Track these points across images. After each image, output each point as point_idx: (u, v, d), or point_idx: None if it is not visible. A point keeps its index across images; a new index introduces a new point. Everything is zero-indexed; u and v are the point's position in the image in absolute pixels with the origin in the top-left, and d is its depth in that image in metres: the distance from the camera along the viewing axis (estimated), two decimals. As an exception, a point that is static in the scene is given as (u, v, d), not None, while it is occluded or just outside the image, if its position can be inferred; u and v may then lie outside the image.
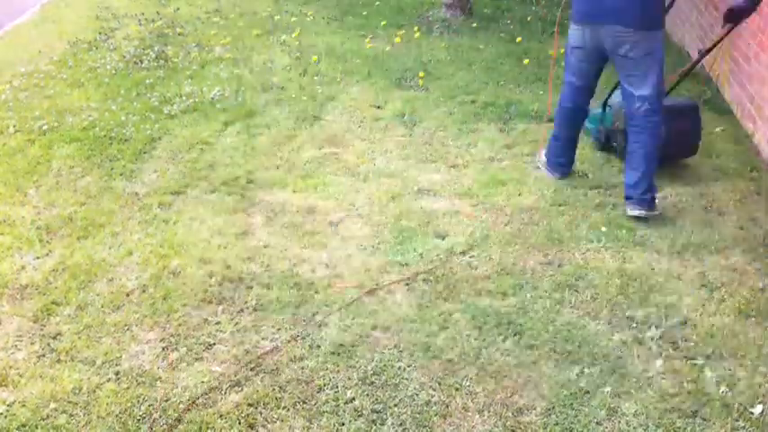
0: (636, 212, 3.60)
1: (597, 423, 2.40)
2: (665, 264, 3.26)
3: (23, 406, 2.47)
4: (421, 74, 5.74)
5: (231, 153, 4.41)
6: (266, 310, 2.96)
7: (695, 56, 5.87)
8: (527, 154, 4.40)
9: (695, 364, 2.66)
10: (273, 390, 2.54)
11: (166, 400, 2.50)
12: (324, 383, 2.57)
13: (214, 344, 2.78)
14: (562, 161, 4.07)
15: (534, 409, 2.46)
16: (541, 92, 5.45)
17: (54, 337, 2.81)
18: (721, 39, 3.99)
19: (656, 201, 3.65)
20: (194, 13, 8.02)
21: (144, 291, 3.09)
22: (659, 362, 2.67)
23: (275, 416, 2.44)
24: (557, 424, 2.40)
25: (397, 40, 6.81)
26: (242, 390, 2.55)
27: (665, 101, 3.74)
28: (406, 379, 2.59)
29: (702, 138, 4.17)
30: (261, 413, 2.45)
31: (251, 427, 2.40)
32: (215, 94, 5.37)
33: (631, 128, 3.67)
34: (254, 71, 5.96)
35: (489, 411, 2.45)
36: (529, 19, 7.44)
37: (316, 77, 5.83)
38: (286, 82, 5.69)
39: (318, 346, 2.75)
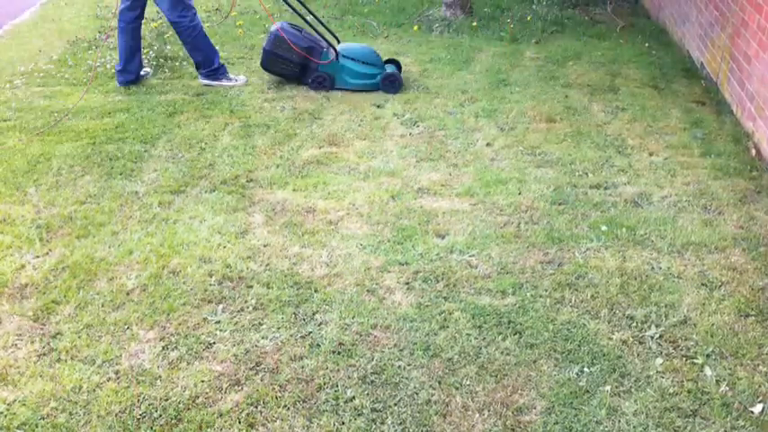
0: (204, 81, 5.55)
1: (597, 422, 2.40)
2: (664, 263, 3.26)
3: (23, 405, 2.47)
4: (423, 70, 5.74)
5: (231, 152, 4.41)
6: (266, 309, 2.96)
7: (696, 55, 5.89)
8: (528, 153, 4.40)
9: (695, 364, 2.66)
10: (273, 389, 2.54)
11: (166, 399, 2.50)
12: (324, 382, 2.58)
13: (214, 343, 2.78)
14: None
15: (534, 408, 2.46)
16: (541, 92, 5.45)
17: (54, 336, 2.81)
18: None
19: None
20: (194, 12, 8.01)
21: (144, 290, 3.09)
22: (659, 361, 2.67)
23: (275, 415, 2.44)
24: (556, 423, 2.40)
25: (397, 38, 6.81)
26: (242, 389, 2.55)
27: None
28: (406, 378, 2.59)
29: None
30: (261, 412, 2.45)
31: (251, 426, 2.40)
32: (215, 94, 5.37)
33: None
34: (254, 70, 5.96)
35: (489, 410, 2.45)
36: (528, 18, 7.44)
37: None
38: (285, 81, 5.68)
39: (318, 345, 2.76)
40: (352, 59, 5.47)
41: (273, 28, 5.40)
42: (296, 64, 5.43)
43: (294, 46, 5.33)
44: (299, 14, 5.38)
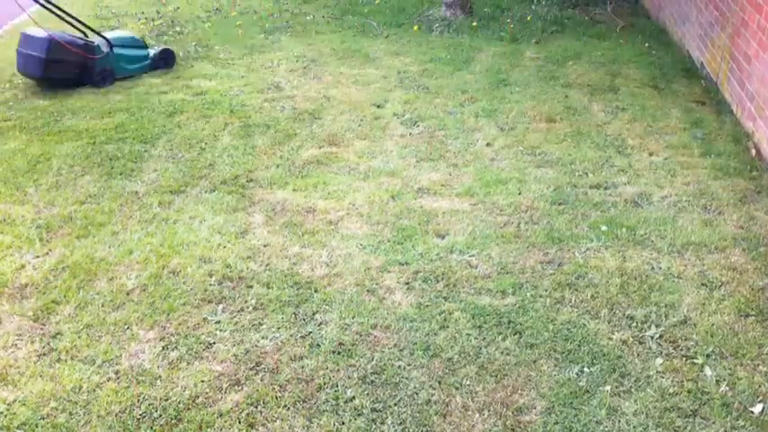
0: None
1: (597, 422, 2.40)
2: (664, 263, 3.26)
3: (23, 405, 2.47)
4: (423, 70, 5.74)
5: (231, 152, 4.41)
6: (266, 309, 2.96)
7: (696, 55, 5.89)
8: (528, 153, 4.40)
9: (695, 363, 2.66)
10: (273, 389, 2.54)
11: (166, 399, 2.50)
12: (324, 382, 2.57)
13: (214, 343, 2.78)
14: None
15: (534, 408, 2.46)
16: (541, 92, 5.45)
17: (54, 336, 2.81)
18: None
19: None
20: (194, 12, 8.03)
21: (144, 290, 3.09)
22: (659, 361, 2.67)
23: (275, 415, 2.44)
24: (556, 423, 2.40)
25: (397, 38, 6.81)
26: (242, 389, 2.55)
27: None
28: (406, 378, 2.59)
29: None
30: (261, 412, 2.45)
31: (251, 426, 2.40)
32: (215, 94, 5.37)
33: None
34: (254, 70, 5.96)
35: (489, 410, 2.45)
36: (528, 18, 7.44)
37: (315, 76, 5.83)
38: (285, 81, 5.69)
39: (318, 345, 2.76)
40: (123, 46, 5.65)
41: (41, 35, 5.28)
42: (75, 65, 5.41)
43: (71, 47, 5.30)
44: (56, 14, 5.44)
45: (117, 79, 5.63)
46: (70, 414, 2.44)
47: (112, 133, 4.66)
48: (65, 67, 5.37)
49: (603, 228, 3.53)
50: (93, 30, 5.64)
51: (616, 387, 2.55)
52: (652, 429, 2.38)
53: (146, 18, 7.66)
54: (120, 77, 5.66)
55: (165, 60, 5.97)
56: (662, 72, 5.83)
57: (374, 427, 2.39)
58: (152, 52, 5.90)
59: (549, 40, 6.84)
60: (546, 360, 2.67)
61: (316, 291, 3.08)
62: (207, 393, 2.53)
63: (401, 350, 2.73)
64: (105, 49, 5.55)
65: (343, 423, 2.40)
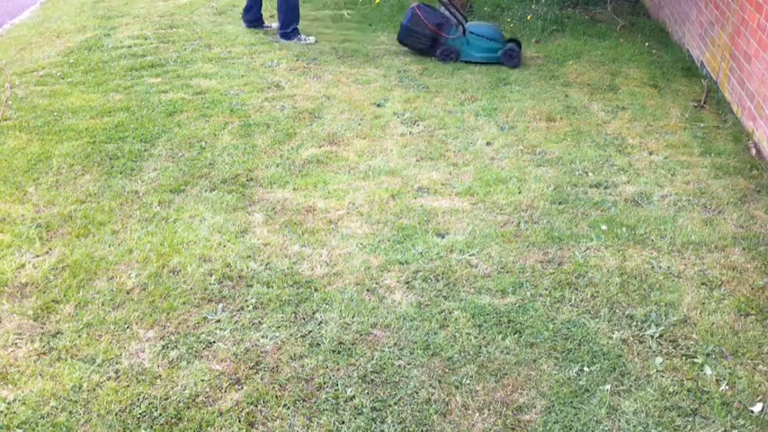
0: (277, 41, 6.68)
1: (597, 421, 2.40)
2: (664, 262, 3.26)
3: (24, 404, 2.47)
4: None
5: (231, 151, 4.41)
6: (266, 309, 2.96)
7: (696, 54, 5.89)
8: (528, 152, 4.40)
9: (695, 363, 2.66)
10: (273, 388, 2.55)
11: (166, 399, 2.50)
12: (324, 381, 2.58)
13: (214, 342, 2.78)
14: None
15: (534, 407, 2.46)
16: (541, 91, 5.45)
17: (54, 335, 2.81)
18: None
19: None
20: (195, 12, 8.02)
21: (144, 289, 3.09)
22: (659, 360, 2.67)
23: (275, 414, 2.44)
24: (556, 422, 2.40)
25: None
26: (242, 388, 2.55)
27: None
28: (406, 377, 2.59)
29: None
30: (261, 411, 2.45)
31: (251, 425, 2.40)
32: (215, 93, 5.37)
33: None
34: (254, 69, 5.96)
35: (489, 409, 2.45)
36: (528, 18, 7.43)
37: (315, 76, 5.83)
38: (285, 80, 5.69)
39: (318, 345, 2.76)
40: (478, 35, 6.18)
41: (411, 6, 6.24)
42: (427, 38, 6.20)
43: (427, 22, 6.14)
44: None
45: (462, 61, 6.19)
46: (70, 413, 2.44)
47: (112, 132, 4.66)
48: (418, 39, 6.26)
49: (603, 227, 3.54)
50: (464, 16, 6.36)
51: (616, 386, 2.55)
52: (652, 428, 2.38)
53: (146, 18, 7.66)
54: (465, 61, 6.19)
55: (511, 58, 6.10)
56: (662, 71, 5.83)
57: (374, 426, 2.39)
58: (503, 49, 6.14)
59: (549, 40, 6.84)
60: (546, 359, 2.68)
61: (316, 290, 3.08)
62: (207, 392, 2.53)
63: (401, 349, 2.73)
64: (459, 33, 6.18)
65: (343, 422, 2.40)
